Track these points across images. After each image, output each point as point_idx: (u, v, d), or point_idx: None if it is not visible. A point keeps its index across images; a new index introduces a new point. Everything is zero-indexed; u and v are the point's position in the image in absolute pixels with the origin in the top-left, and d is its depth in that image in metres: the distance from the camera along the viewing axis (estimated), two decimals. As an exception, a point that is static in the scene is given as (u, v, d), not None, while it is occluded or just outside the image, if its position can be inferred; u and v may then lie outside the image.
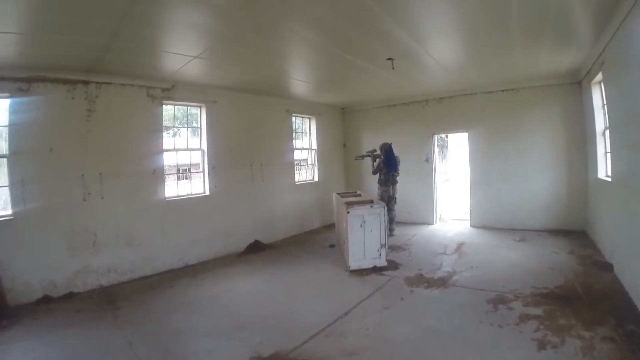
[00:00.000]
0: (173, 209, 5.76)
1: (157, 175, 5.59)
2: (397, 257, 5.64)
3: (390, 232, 7.15)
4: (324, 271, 5.24)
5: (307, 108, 8.40)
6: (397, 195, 7.33)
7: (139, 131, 5.42)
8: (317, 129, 8.72)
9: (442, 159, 13.41)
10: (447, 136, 12.01)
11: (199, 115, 6.31)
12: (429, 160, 8.22)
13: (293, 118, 8.17)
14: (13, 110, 4.36)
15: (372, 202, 5.52)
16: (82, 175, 4.85)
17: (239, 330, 3.54)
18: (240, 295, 4.52)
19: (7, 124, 4.33)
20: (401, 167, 8.32)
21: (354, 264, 5.12)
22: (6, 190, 4.35)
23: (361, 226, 5.12)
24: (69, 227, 4.72)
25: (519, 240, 6.13)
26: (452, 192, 11.11)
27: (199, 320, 3.78)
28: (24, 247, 4.37)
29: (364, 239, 5.12)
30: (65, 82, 4.69)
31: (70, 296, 4.58)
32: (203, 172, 6.23)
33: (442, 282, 4.46)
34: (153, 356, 3.13)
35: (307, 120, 8.77)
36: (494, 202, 7.32)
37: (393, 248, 6.23)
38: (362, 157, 7.87)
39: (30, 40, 3.68)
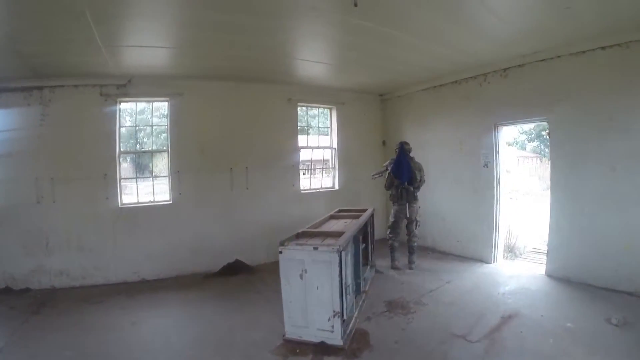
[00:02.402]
0: (127, 217, 5.15)
1: (109, 179, 5.05)
2: (379, 330, 3.53)
3: (409, 264, 5.19)
4: (257, 329, 3.64)
5: (323, 96, 6.63)
6: (419, 217, 5.09)
7: (90, 133, 5.08)
8: (338, 122, 6.87)
9: (548, 160, 9.52)
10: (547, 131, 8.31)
11: (167, 110, 5.46)
12: (488, 165, 5.53)
13: (305, 109, 6.64)
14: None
15: (336, 238, 3.62)
16: (36, 178, 4.86)
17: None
18: (135, 337, 3.64)
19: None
20: (449, 175, 6.03)
21: (291, 331, 3.41)
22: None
23: (301, 277, 3.35)
24: (24, 227, 4.83)
25: (616, 325, 3.32)
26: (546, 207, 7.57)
27: (56, 354, 3.21)
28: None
29: (305, 297, 3.34)
30: (23, 89, 4.79)
31: (26, 291, 4.76)
32: (169, 176, 5.39)
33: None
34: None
35: (327, 112, 7.05)
36: (587, 241, 4.34)
37: (392, 306, 4.07)
38: (380, 174, 5.67)
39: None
